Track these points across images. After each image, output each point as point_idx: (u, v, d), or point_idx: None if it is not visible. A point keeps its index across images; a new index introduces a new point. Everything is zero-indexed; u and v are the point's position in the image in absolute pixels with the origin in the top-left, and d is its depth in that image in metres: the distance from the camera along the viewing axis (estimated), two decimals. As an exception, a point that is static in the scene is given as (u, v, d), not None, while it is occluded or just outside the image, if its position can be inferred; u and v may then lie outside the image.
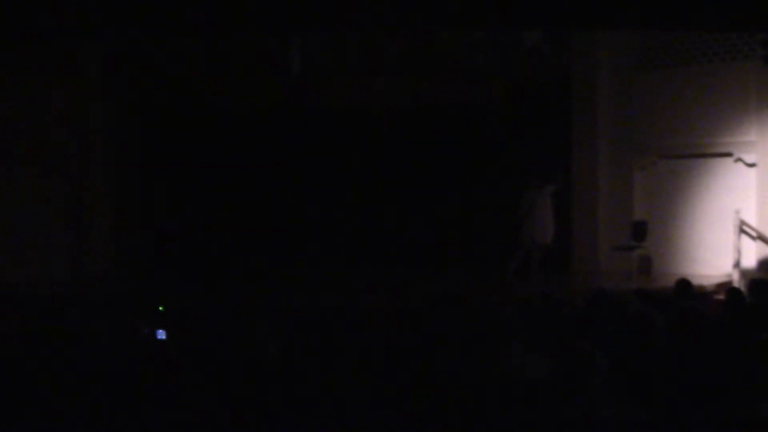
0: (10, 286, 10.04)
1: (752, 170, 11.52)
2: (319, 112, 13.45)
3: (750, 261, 11.26)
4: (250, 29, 11.09)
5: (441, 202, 13.77)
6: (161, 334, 5.43)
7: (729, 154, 11.65)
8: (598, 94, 12.52)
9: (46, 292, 10.15)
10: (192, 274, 12.47)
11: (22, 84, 11.72)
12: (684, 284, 7.20)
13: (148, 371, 4.28)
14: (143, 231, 13.18)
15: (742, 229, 11.29)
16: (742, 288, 8.25)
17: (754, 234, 11.33)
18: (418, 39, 13.29)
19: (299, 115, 13.51)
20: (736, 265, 11.05)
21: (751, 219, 11.34)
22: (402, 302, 9.00)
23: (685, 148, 12.04)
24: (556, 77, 12.82)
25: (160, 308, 7.45)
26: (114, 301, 9.77)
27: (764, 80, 11.31)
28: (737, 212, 11.11)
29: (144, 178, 13.34)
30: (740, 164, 11.60)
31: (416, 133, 13.60)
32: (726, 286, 10.62)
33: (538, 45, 13.12)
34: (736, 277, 10.93)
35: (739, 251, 11.04)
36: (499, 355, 4.35)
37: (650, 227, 11.85)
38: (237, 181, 13.67)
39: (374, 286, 11.66)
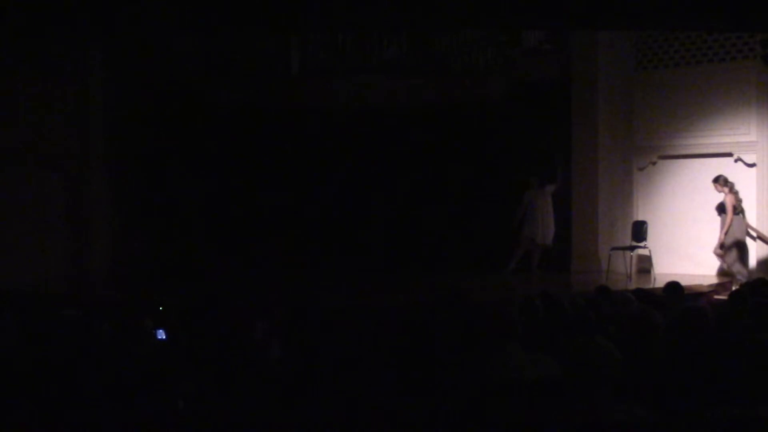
0: (10, 286, 10.03)
1: (752, 170, 11.52)
2: (319, 112, 13.44)
3: (750, 261, 11.25)
4: (250, 29, 11.10)
5: (441, 202, 13.78)
6: (161, 334, 5.44)
7: (729, 154, 11.65)
8: (598, 94, 12.53)
9: (46, 292, 10.15)
10: (192, 273, 12.47)
11: (22, 84, 11.72)
12: (673, 287, 7.09)
13: (151, 370, 4.28)
14: (143, 231, 13.17)
15: (742, 229, 11.28)
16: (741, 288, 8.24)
17: (753, 234, 11.33)
18: (418, 39, 13.30)
19: (299, 115, 13.50)
20: (736, 264, 11.04)
21: (751, 219, 11.33)
22: (402, 301, 9.02)
23: (685, 148, 12.05)
24: (556, 77, 12.83)
25: (160, 308, 7.45)
26: (116, 300, 9.77)
27: (764, 80, 11.31)
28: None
29: (144, 178, 13.33)
30: (740, 164, 11.60)
31: (416, 133, 13.60)
32: (726, 286, 10.65)
33: (539, 44, 13.13)
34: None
35: (739, 251, 11.03)
36: (499, 354, 4.34)
37: (650, 227, 11.85)
38: (237, 181, 13.67)
39: (374, 285, 11.67)
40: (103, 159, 12.61)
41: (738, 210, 11.04)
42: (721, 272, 11.33)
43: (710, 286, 10.85)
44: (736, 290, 7.98)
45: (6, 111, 11.65)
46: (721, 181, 11.14)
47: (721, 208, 11.14)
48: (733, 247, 10.99)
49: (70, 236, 12.21)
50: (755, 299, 6.56)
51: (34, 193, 11.83)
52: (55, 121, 12.03)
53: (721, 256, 11.17)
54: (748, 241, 11.28)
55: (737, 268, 10.92)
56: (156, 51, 12.87)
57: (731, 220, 10.94)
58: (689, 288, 10.32)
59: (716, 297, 10.29)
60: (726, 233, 10.93)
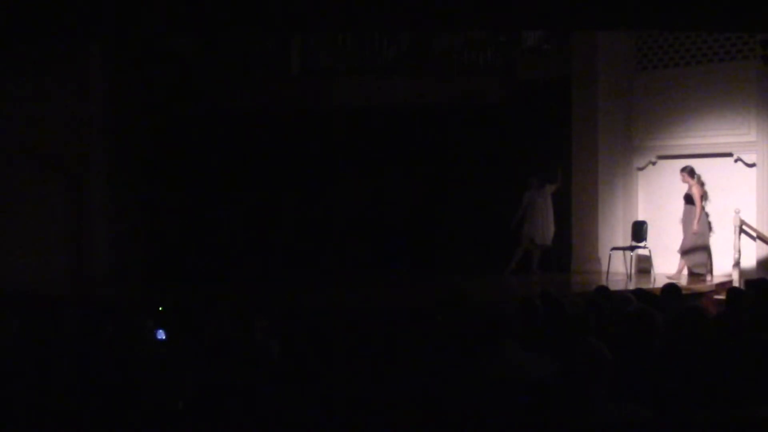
0: (11, 286, 10.04)
1: (752, 170, 11.51)
2: (319, 112, 13.44)
3: (750, 261, 11.25)
4: (250, 29, 11.09)
5: (441, 202, 13.78)
6: (161, 334, 5.44)
7: (729, 154, 11.65)
8: (598, 94, 12.52)
9: (46, 293, 10.15)
10: (192, 274, 12.46)
11: (22, 84, 11.72)
12: (671, 289, 7.06)
13: (151, 370, 4.28)
14: (143, 231, 13.18)
15: (742, 229, 11.29)
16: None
17: (754, 234, 11.33)
18: (418, 39, 13.30)
19: (299, 115, 13.50)
20: (736, 265, 11.05)
21: (751, 219, 11.33)
22: (402, 302, 9.02)
23: (685, 148, 12.04)
24: (557, 77, 12.83)
25: (160, 308, 7.46)
26: (118, 301, 9.78)
27: (764, 80, 11.30)
28: (737, 212, 11.11)
29: (144, 179, 13.34)
30: (740, 164, 11.60)
31: (416, 133, 13.60)
32: (726, 286, 10.65)
33: (539, 45, 13.14)
34: (736, 277, 10.93)
35: (739, 251, 11.03)
36: (498, 354, 4.34)
37: (650, 227, 11.85)
38: (236, 181, 13.67)
39: (374, 285, 11.68)
40: (103, 159, 12.61)
41: (704, 201, 11.16)
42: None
43: (710, 285, 10.85)
44: (736, 289, 7.96)
45: (6, 110, 11.65)
46: (688, 171, 11.20)
47: (687, 199, 11.17)
48: (700, 246, 11.05)
49: (70, 236, 12.22)
50: (755, 299, 6.57)
51: (34, 193, 11.83)
52: (55, 121, 12.03)
53: (686, 256, 11.23)
54: (748, 240, 11.28)
55: (702, 266, 11.04)
56: (156, 51, 12.87)
57: (701, 210, 11.02)
58: (689, 288, 10.36)
59: (716, 297, 10.30)
60: (698, 221, 11.00)
